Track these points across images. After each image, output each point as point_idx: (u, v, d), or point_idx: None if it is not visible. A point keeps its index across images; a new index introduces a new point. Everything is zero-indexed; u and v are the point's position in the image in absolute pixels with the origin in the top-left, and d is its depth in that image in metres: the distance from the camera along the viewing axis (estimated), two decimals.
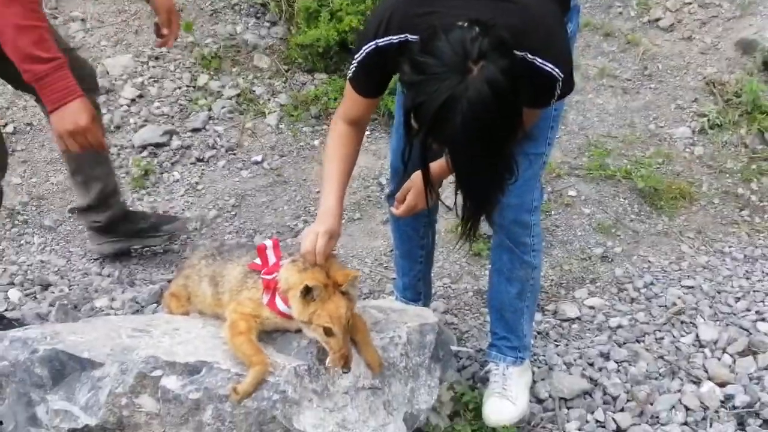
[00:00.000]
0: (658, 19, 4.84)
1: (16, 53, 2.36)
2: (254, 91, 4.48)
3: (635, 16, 4.86)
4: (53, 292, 3.33)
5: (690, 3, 4.87)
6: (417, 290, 3.10)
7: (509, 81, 1.90)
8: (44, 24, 2.40)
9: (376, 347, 2.42)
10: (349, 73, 2.32)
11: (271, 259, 2.46)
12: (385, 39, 2.17)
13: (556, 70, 2.12)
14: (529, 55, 2.09)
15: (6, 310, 3.21)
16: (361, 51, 2.23)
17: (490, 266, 2.85)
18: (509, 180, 2.12)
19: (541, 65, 2.11)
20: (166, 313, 2.83)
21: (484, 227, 3.55)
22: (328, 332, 2.26)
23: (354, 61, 2.27)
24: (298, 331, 2.39)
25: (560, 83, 2.16)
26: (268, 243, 2.51)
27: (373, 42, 2.19)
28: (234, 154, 4.23)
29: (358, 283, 2.39)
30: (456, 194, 2.15)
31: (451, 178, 2.21)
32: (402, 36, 2.14)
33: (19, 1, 2.32)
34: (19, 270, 3.49)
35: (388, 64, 2.20)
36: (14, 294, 3.31)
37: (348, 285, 2.30)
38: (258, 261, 2.49)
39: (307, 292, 2.24)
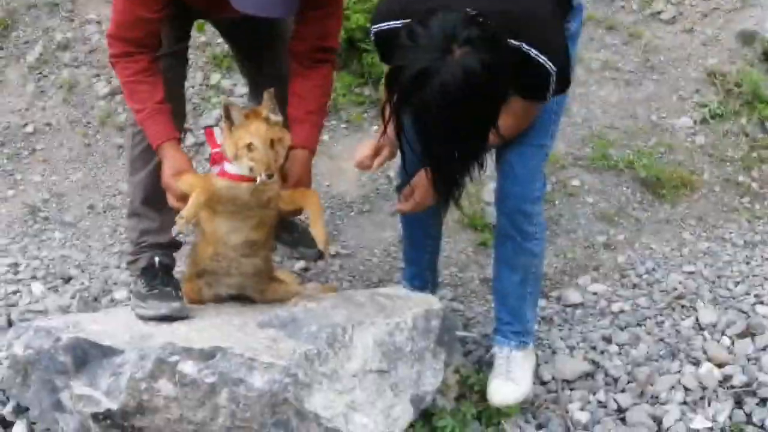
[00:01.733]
0: (659, 12, 4.84)
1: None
2: None
3: (637, 10, 4.86)
4: (74, 285, 3.41)
5: None
6: (425, 279, 3.16)
7: (487, 75, 1.98)
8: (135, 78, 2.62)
9: (325, 223, 2.57)
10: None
11: (219, 139, 2.58)
12: (389, 23, 2.30)
13: (550, 63, 2.20)
14: (525, 46, 2.17)
15: (29, 302, 3.31)
16: (370, 33, 2.40)
17: (493, 254, 2.92)
18: (480, 170, 2.24)
19: (536, 56, 2.19)
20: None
21: (490, 217, 3.64)
22: (250, 148, 2.36)
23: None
24: (252, 209, 2.55)
25: (554, 77, 2.23)
26: (216, 130, 2.66)
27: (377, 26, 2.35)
28: None
29: (275, 110, 2.47)
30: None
31: None
32: (406, 21, 2.21)
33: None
34: (41, 264, 3.57)
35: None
36: (37, 287, 3.38)
37: (269, 111, 2.43)
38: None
39: (227, 115, 2.39)
